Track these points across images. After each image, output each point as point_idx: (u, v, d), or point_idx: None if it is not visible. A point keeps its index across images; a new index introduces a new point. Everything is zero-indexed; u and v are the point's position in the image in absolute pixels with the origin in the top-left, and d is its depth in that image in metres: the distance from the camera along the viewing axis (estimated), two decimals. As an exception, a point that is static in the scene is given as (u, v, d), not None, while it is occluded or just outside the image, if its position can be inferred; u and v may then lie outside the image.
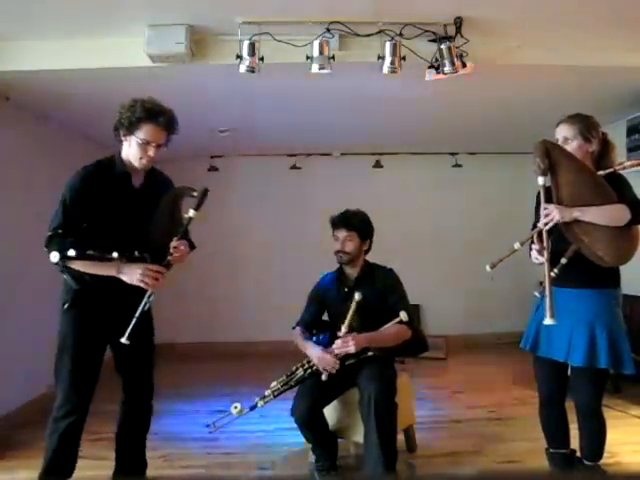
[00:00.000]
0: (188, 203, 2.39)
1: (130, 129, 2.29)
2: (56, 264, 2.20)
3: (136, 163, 2.34)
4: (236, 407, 2.76)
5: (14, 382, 3.68)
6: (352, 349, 2.63)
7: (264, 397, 2.78)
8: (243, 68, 3.01)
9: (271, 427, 3.58)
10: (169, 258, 2.30)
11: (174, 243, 2.31)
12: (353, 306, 2.62)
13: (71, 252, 2.11)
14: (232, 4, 2.86)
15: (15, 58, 3.15)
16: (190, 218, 2.33)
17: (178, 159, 5.92)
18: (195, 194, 2.33)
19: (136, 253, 2.29)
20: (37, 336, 3.95)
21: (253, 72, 3.02)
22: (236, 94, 3.88)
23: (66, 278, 2.34)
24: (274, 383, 2.79)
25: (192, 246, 2.58)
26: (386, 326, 2.73)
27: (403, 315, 2.69)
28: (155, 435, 3.30)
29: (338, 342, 2.65)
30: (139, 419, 2.54)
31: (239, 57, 2.99)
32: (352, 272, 2.97)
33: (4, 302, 3.66)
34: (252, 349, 5.78)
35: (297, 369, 2.80)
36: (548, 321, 2.19)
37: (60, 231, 2.20)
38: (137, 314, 2.23)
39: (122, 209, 2.33)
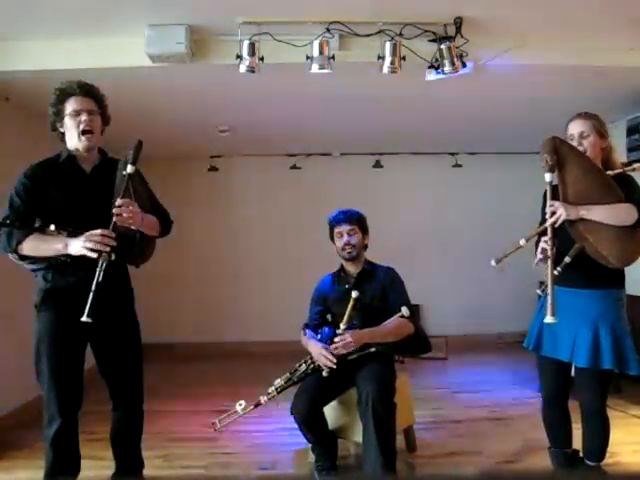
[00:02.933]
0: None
1: (59, 115, 2.32)
2: (12, 252, 2.22)
3: (80, 143, 2.31)
4: (241, 404, 2.79)
5: (14, 382, 3.68)
6: (351, 342, 2.65)
7: (268, 394, 2.80)
8: (243, 68, 3.01)
9: (271, 427, 3.58)
10: (114, 219, 2.19)
11: (118, 202, 2.19)
12: (351, 303, 2.67)
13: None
14: (232, 4, 2.86)
15: (15, 58, 3.15)
16: (129, 174, 2.23)
17: (178, 159, 5.95)
18: (132, 152, 2.25)
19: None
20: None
21: (253, 72, 3.03)
22: (236, 94, 3.88)
23: (38, 279, 2.32)
24: (278, 380, 2.81)
25: (167, 220, 2.52)
26: (387, 321, 2.75)
27: (404, 310, 2.71)
28: (155, 435, 3.31)
29: (337, 339, 2.68)
30: (131, 425, 2.48)
31: (239, 57, 3.00)
32: (353, 270, 2.98)
33: (3, 302, 3.66)
34: (252, 349, 5.78)
35: (300, 365, 2.82)
36: (548, 319, 2.18)
37: (8, 222, 2.20)
38: (93, 287, 2.11)
39: (74, 193, 2.30)
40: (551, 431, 2.57)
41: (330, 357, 2.67)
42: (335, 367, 2.69)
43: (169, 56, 3.04)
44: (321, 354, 2.71)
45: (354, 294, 2.67)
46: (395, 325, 2.75)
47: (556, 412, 2.53)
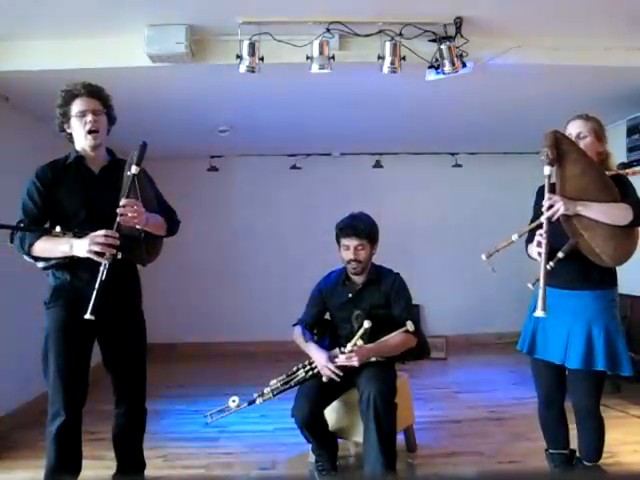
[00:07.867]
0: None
1: (66, 116, 2.35)
2: (25, 254, 2.28)
3: (86, 142, 2.33)
4: (234, 401, 2.78)
5: (14, 382, 3.68)
6: (356, 364, 2.64)
7: (263, 394, 2.78)
8: (243, 68, 3.01)
9: (271, 427, 3.58)
10: (118, 219, 2.22)
11: (122, 202, 2.22)
12: (360, 332, 2.63)
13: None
14: (232, 4, 2.86)
15: (15, 58, 3.15)
16: (133, 175, 2.25)
17: (178, 159, 5.95)
18: (137, 153, 2.28)
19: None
20: (36, 336, 3.95)
21: (253, 72, 3.03)
22: (236, 94, 3.88)
23: (49, 277, 2.36)
24: (274, 381, 2.79)
25: (173, 220, 2.54)
26: (391, 335, 2.73)
27: (409, 325, 2.69)
28: (155, 435, 3.31)
29: (342, 358, 2.65)
30: (133, 423, 2.49)
31: (239, 57, 3.00)
32: (359, 277, 2.93)
33: (2, 302, 3.65)
34: (252, 349, 5.78)
35: (298, 370, 2.79)
36: (539, 313, 2.16)
37: (22, 225, 2.27)
38: (96, 286, 2.15)
39: (83, 193, 2.32)
40: (548, 433, 2.56)
41: (337, 371, 2.66)
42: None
43: (169, 56, 3.04)
44: (327, 367, 2.68)
45: (366, 324, 2.59)
46: (400, 341, 2.74)
47: (552, 413, 2.52)
